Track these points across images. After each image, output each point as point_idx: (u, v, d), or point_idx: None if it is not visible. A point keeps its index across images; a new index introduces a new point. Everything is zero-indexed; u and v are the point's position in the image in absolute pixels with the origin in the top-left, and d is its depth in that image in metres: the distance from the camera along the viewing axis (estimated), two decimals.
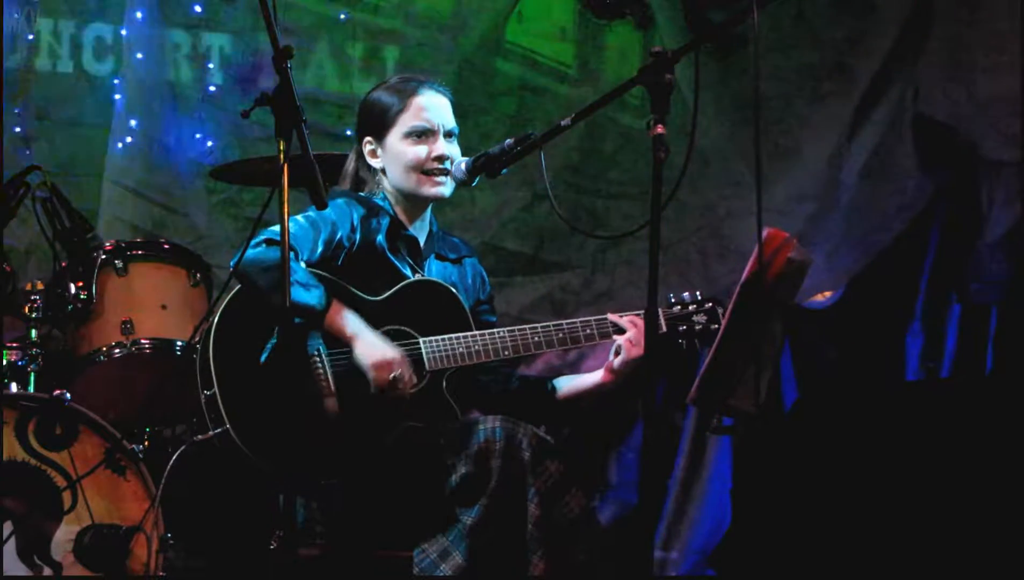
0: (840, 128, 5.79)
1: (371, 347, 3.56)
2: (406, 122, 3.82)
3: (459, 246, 4.01)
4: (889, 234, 5.76)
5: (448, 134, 3.84)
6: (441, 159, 3.80)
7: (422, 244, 3.88)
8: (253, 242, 3.55)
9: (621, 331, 3.74)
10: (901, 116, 5.75)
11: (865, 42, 5.80)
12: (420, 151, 3.81)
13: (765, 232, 3.16)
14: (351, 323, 3.58)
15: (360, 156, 3.91)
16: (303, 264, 3.61)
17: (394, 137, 3.83)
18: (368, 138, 3.88)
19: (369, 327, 3.59)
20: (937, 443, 4.67)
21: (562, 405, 3.89)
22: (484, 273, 4.04)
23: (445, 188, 3.82)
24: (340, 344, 3.58)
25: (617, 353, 3.75)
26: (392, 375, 3.54)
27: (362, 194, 3.87)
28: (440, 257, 3.93)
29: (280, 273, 3.29)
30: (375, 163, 3.88)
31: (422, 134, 3.81)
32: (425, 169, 3.80)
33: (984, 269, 5.68)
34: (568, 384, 3.90)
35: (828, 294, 5.82)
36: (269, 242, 3.56)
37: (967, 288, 5.73)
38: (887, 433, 4.76)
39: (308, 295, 3.52)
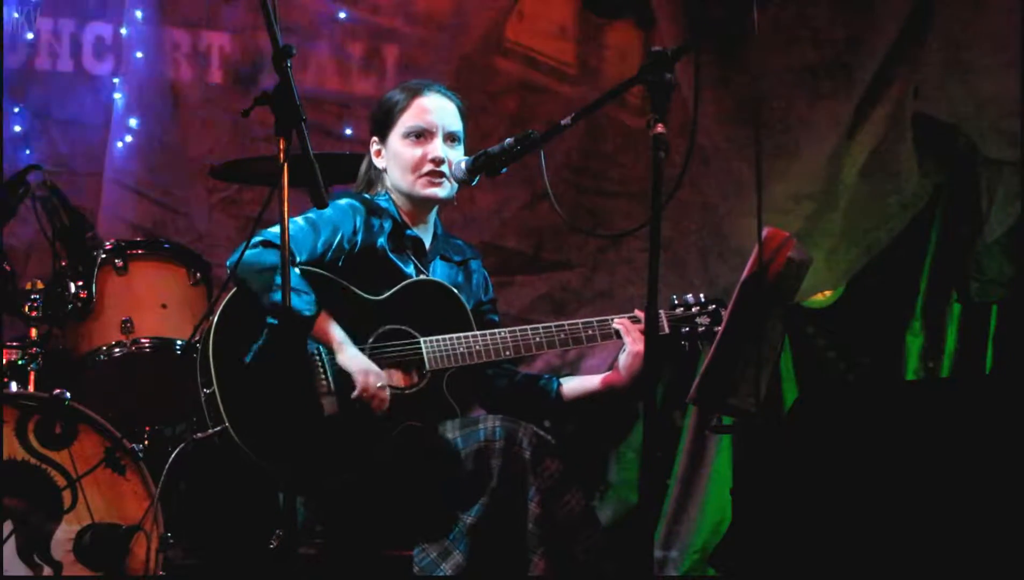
0: (840, 128, 5.77)
1: (354, 358, 3.57)
2: (405, 122, 3.83)
3: (463, 248, 4.01)
4: (889, 233, 5.75)
5: (450, 137, 3.84)
6: (437, 161, 3.79)
7: (427, 245, 3.88)
8: (252, 243, 3.55)
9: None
10: (901, 116, 5.73)
11: (865, 42, 5.78)
12: (416, 152, 3.81)
13: (765, 232, 3.16)
14: (338, 333, 3.58)
15: (369, 156, 3.93)
16: (298, 270, 3.61)
17: (395, 137, 3.84)
18: (374, 138, 3.90)
19: (351, 343, 3.58)
20: (937, 443, 4.66)
21: (568, 404, 3.88)
22: (487, 275, 4.04)
23: (440, 190, 3.82)
24: None
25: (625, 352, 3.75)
26: (375, 386, 3.54)
27: (367, 196, 3.87)
28: (445, 258, 3.93)
29: (273, 275, 3.30)
30: (379, 163, 3.89)
31: (420, 135, 3.82)
32: (421, 171, 3.80)
33: (984, 268, 5.67)
34: (575, 384, 3.90)
35: (828, 294, 5.81)
36: (266, 244, 3.56)
37: (967, 287, 5.73)
38: (887, 433, 4.76)
39: (298, 301, 3.51)
